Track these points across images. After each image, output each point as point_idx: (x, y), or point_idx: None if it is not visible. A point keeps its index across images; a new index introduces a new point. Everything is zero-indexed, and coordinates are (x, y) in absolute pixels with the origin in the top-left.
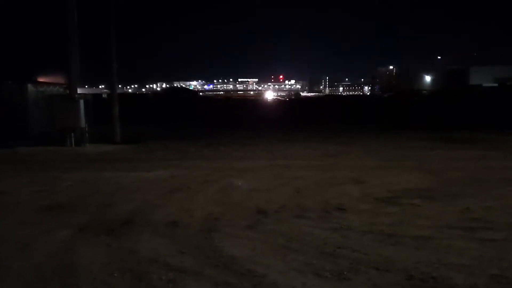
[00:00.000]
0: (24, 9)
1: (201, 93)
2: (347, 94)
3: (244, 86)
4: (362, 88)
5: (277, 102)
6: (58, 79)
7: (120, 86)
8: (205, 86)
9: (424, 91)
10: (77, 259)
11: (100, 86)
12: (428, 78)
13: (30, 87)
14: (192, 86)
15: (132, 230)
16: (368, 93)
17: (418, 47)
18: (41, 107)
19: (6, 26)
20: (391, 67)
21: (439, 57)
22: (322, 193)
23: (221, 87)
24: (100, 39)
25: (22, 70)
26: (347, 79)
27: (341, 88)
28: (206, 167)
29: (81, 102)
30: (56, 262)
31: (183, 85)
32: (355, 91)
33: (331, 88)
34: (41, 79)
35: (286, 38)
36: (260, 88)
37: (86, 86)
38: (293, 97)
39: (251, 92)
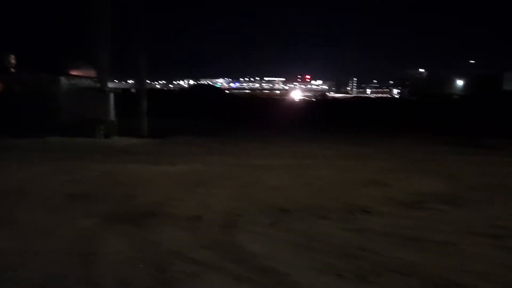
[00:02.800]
0: (57, 4)
1: (227, 91)
2: (375, 96)
3: (271, 85)
4: (391, 90)
5: (303, 102)
6: (89, 72)
7: (148, 81)
8: (232, 84)
9: (455, 96)
10: (101, 248)
11: (129, 81)
12: (459, 82)
13: (62, 79)
14: (219, 84)
15: (155, 222)
16: (396, 96)
17: (449, 51)
18: (73, 99)
19: (39, 20)
20: (421, 70)
21: (472, 61)
22: (345, 194)
23: (247, 85)
24: (130, 34)
25: (55, 62)
26: (375, 80)
27: (368, 90)
28: (229, 163)
29: (111, 95)
30: (80, 250)
31: (210, 83)
32: (383, 93)
33: (358, 89)
34: (73, 72)
35: (315, 38)
36: (286, 87)
37: (116, 80)
38: (319, 98)
39: (277, 91)
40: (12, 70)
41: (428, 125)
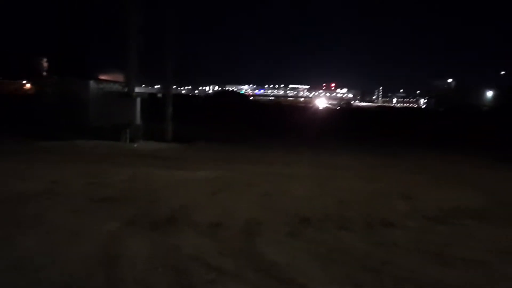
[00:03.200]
0: (86, 9)
1: (251, 98)
2: (400, 106)
3: (295, 92)
4: (417, 100)
5: (327, 110)
6: (117, 77)
7: (174, 86)
8: (256, 91)
9: (485, 107)
10: (123, 251)
11: (155, 86)
12: (489, 93)
13: (91, 83)
14: (244, 90)
15: (176, 227)
16: (423, 106)
17: (478, 61)
18: (100, 103)
19: (69, 24)
20: (449, 80)
21: (503, 72)
22: (367, 205)
23: (271, 92)
24: (158, 40)
25: (83, 66)
26: (401, 90)
27: (394, 99)
28: (251, 170)
29: (138, 100)
30: (102, 252)
31: (235, 89)
32: (409, 103)
33: (384, 98)
34: (101, 76)
35: (341, 45)
36: (310, 95)
37: (143, 85)
38: (344, 106)
39: (302, 99)
40: (44, 73)
41: (456, 137)
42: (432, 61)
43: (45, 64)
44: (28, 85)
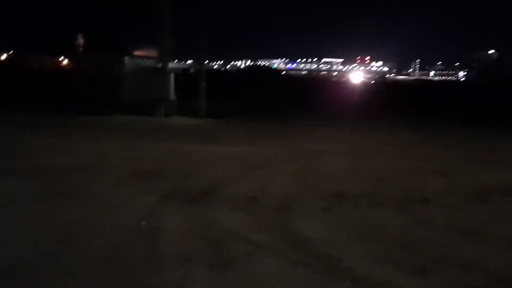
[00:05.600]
0: None
1: (283, 72)
2: (438, 79)
3: (328, 66)
4: (456, 73)
5: (362, 85)
6: (151, 52)
7: (206, 62)
8: (288, 65)
9: None
10: (162, 224)
11: (187, 61)
12: None
13: (126, 59)
14: (276, 65)
15: (212, 201)
16: (462, 79)
17: None
18: (135, 78)
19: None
20: (491, 51)
21: None
22: (405, 182)
23: (304, 66)
24: (191, 16)
25: (118, 43)
26: (439, 62)
27: (432, 72)
28: (286, 146)
29: (172, 75)
30: (143, 224)
31: (267, 63)
32: (448, 76)
33: (421, 71)
34: (136, 52)
35: (375, 16)
36: (344, 69)
37: (176, 61)
38: (379, 80)
39: (335, 73)
40: (81, 49)
41: (500, 113)
42: (472, 31)
43: (82, 41)
44: (65, 61)
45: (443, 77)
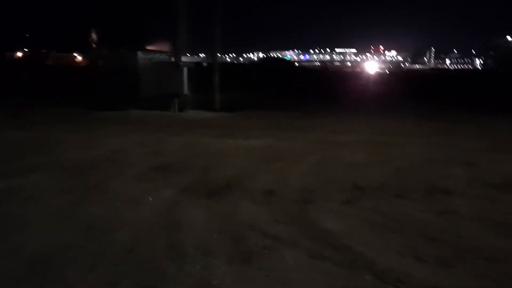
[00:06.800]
0: None
1: (296, 64)
2: (454, 68)
3: (342, 57)
4: (473, 61)
5: (376, 75)
6: (163, 47)
7: (219, 55)
8: (301, 57)
9: None
10: (181, 217)
11: (200, 55)
12: None
13: (139, 54)
14: (288, 57)
15: (230, 195)
16: (479, 68)
17: None
18: (148, 73)
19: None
20: (509, 38)
21: None
22: (426, 173)
23: (317, 57)
24: (204, 9)
25: (132, 38)
26: (455, 50)
27: (448, 61)
28: (302, 138)
29: (185, 69)
30: (162, 218)
31: (280, 55)
32: (464, 64)
33: (437, 60)
34: (149, 47)
35: (388, 4)
36: (358, 59)
37: (188, 54)
38: (393, 70)
39: (349, 64)
40: (94, 46)
41: None
42: (491, 18)
43: (95, 37)
44: (79, 58)
45: (459, 65)
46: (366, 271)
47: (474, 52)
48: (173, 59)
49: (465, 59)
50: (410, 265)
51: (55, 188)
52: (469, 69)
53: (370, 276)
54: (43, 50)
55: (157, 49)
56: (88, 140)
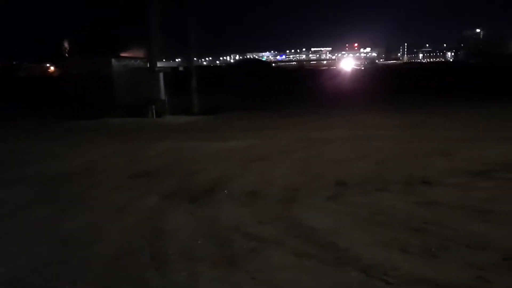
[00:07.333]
0: None
1: (273, 64)
2: (427, 61)
3: (317, 55)
4: (444, 54)
5: (352, 72)
6: (138, 53)
7: (195, 59)
8: (278, 57)
9: None
10: (164, 224)
11: (177, 59)
12: None
13: (114, 61)
14: (265, 57)
15: (214, 198)
16: (451, 60)
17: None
18: (124, 80)
19: (90, 6)
20: (478, 30)
21: None
22: (406, 165)
23: (293, 57)
24: (178, 13)
25: (105, 45)
26: (427, 45)
27: (420, 55)
28: (283, 137)
29: (161, 75)
30: (145, 226)
31: (256, 57)
32: (436, 57)
33: (409, 55)
34: (123, 54)
35: (360, 3)
36: (333, 57)
37: (164, 60)
38: (368, 66)
39: (325, 62)
40: (67, 55)
41: (491, 89)
42: (460, 11)
43: (68, 46)
44: (52, 68)
45: (432, 59)
46: (352, 267)
47: (445, 46)
48: (148, 65)
49: (437, 53)
50: (396, 257)
51: (32, 202)
52: (440, 62)
53: (357, 271)
54: (14, 62)
55: (132, 55)
56: (64, 150)
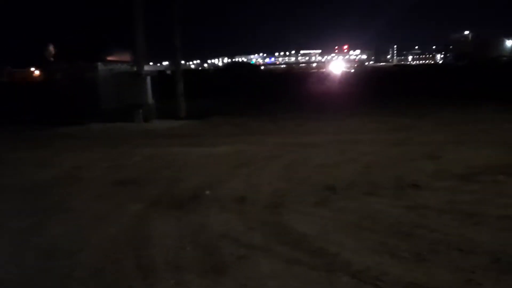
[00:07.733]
0: None
1: (262, 67)
2: (416, 64)
3: (307, 58)
4: (434, 56)
5: (341, 75)
6: (124, 57)
7: (183, 62)
8: (266, 60)
9: (504, 58)
10: (150, 232)
11: (163, 63)
12: (509, 43)
13: (100, 65)
14: (254, 60)
15: (200, 205)
16: (440, 62)
17: (497, 11)
18: (110, 84)
19: (73, 7)
20: (466, 32)
21: None
22: (394, 169)
23: (282, 60)
24: (164, 16)
25: (90, 50)
26: (416, 47)
27: (410, 57)
28: (271, 142)
29: (148, 78)
30: (130, 235)
31: (244, 59)
32: (425, 60)
33: (399, 57)
34: (108, 58)
35: (349, 5)
36: (323, 59)
37: (151, 63)
38: (357, 68)
39: (314, 64)
40: (52, 59)
41: (478, 92)
42: (448, 14)
43: (52, 50)
44: (36, 72)
45: (421, 61)
46: (343, 272)
47: (434, 48)
48: (135, 69)
49: (427, 55)
50: (386, 262)
51: (13, 211)
52: (429, 64)
53: (347, 277)
54: None
55: (118, 59)
56: (47, 157)
